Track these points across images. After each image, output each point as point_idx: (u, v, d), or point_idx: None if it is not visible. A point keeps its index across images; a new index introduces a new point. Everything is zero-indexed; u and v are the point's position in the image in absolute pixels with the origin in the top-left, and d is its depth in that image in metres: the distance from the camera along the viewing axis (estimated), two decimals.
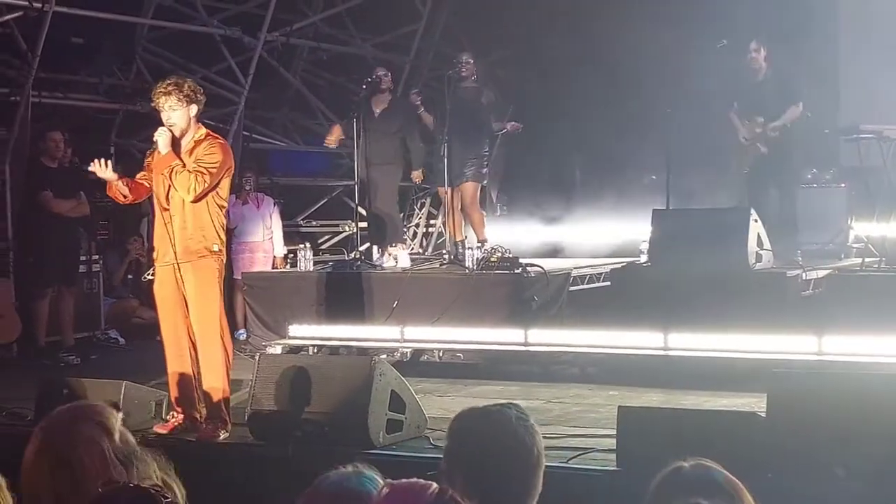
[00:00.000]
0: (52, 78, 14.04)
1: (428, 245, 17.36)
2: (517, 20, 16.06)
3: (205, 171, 7.84)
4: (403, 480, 2.91)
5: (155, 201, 8.16)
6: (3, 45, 13.27)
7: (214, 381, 7.93)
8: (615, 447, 6.62)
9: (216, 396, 7.93)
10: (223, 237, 8.14)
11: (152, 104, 8.10)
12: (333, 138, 13.49)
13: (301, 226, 16.36)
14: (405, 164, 13.36)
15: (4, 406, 8.97)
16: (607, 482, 6.46)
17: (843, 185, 13.57)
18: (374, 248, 13.45)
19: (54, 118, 13.69)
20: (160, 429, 8.05)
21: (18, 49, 12.99)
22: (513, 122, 13.27)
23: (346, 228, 16.32)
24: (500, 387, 9.86)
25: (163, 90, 7.92)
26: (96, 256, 13.51)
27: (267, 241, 13.78)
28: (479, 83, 12.88)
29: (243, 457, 7.64)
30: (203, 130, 8.10)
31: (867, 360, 8.56)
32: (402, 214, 14.72)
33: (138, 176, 8.21)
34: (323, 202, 16.88)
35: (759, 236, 10.42)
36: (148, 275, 12.30)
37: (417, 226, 17.39)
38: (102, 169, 7.96)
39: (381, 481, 3.03)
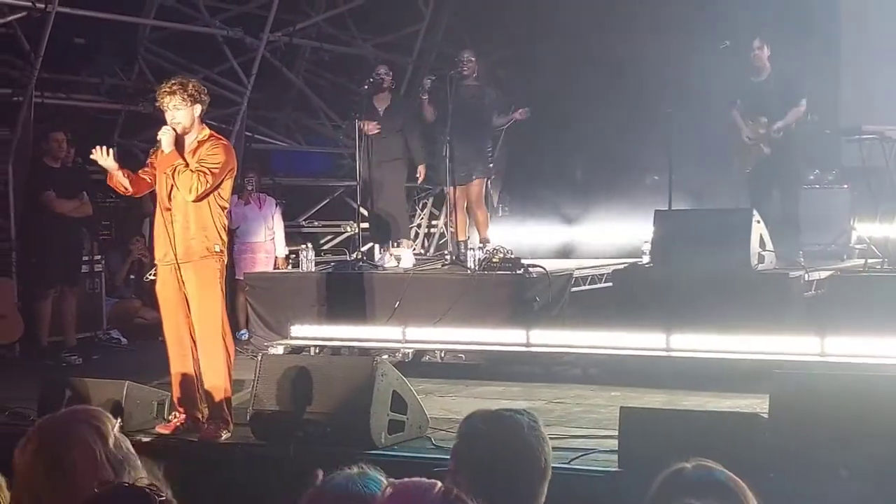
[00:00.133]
0: (55, 78, 14.05)
1: (430, 245, 17.37)
2: (519, 20, 16.06)
3: (207, 171, 7.84)
4: (407, 479, 2.91)
5: (157, 200, 8.16)
6: (6, 45, 13.28)
7: (216, 381, 7.93)
8: (617, 448, 6.62)
9: (218, 396, 7.93)
10: (225, 238, 8.14)
11: (156, 104, 8.11)
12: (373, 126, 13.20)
13: (303, 226, 16.37)
14: (409, 161, 13.37)
15: (7, 406, 8.97)
16: (609, 483, 6.46)
17: (845, 186, 13.57)
18: (376, 248, 13.46)
19: (57, 119, 13.68)
20: (162, 429, 8.06)
21: (21, 50, 12.99)
22: (521, 109, 13.23)
23: (348, 229, 16.32)
24: (501, 387, 9.86)
25: (167, 90, 7.93)
26: (98, 257, 13.51)
27: (269, 241, 13.80)
28: (481, 81, 12.89)
29: (245, 457, 7.64)
30: (207, 131, 8.11)
31: (870, 361, 8.55)
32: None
33: (141, 171, 8.21)
34: (325, 202, 16.88)
35: (761, 237, 10.42)
36: (150, 275, 12.30)
37: (419, 226, 17.39)
38: (104, 157, 7.95)
39: (386, 482, 3.02)
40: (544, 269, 11.08)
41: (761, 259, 10.38)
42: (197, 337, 7.99)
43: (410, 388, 7.75)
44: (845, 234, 12.70)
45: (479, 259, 11.30)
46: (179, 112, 7.91)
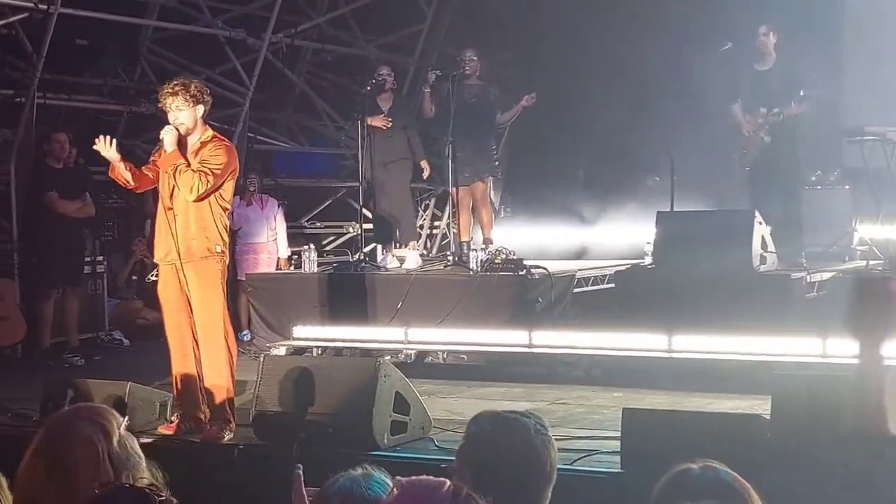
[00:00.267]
0: (57, 79, 14.05)
1: (432, 246, 17.37)
2: (520, 20, 16.06)
3: (208, 171, 7.85)
4: (414, 478, 2.90)
5: (159, 199, 8.16)
6: (9, 46, 13.29)
7: (218, 382, 7.94)
8: (619, 449, 6.62)
9: (220, 397, 7.93)
10: (226, 238, 8.14)
11: (159, 104, 8.12)
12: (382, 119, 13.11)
13: (305, 227, 16.37)
14: (413, 161, 13.34)
15: (9, 407, 8.98)
16: (611, 484, 6.46)
17: (847, 186, 13.57)
18: (379, 248, 13.46)
19: (59, 120, 13.69)
20: (164, 429, 8.06)
21: (23, 50, 13.00)
22: (526, 96, 13.06)
23: (351, 230, 16.33)
24: (504, 388, 9.86)
25: (170, 91, 7.94)
26: (101, 258, 13.52)
27: (271, 242, 13.80)
28: (484, 80, 12.86)
29: (248, 458, 7.64)
30: (210, 132, 8.11)
31: None
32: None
33: (144, 167, 8.20)
34: (327, 203, 16.89)
35: (763, 238, 10.43)
36: (152, 276, 12.32)
37: (422, 227, 17.39)
38: (106, 147, 7.95)
39: (391, 483, 3.02)
40: (547, 270, 11.08)
41: (763, 260, 10.39)
42: (199, 337, 7.99)
43: (413, 389, 7.75)
44: (847, 236, 12.70)
45: (481, 260, 11.30)
46: (182, 113, 7.92)
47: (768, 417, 6.37)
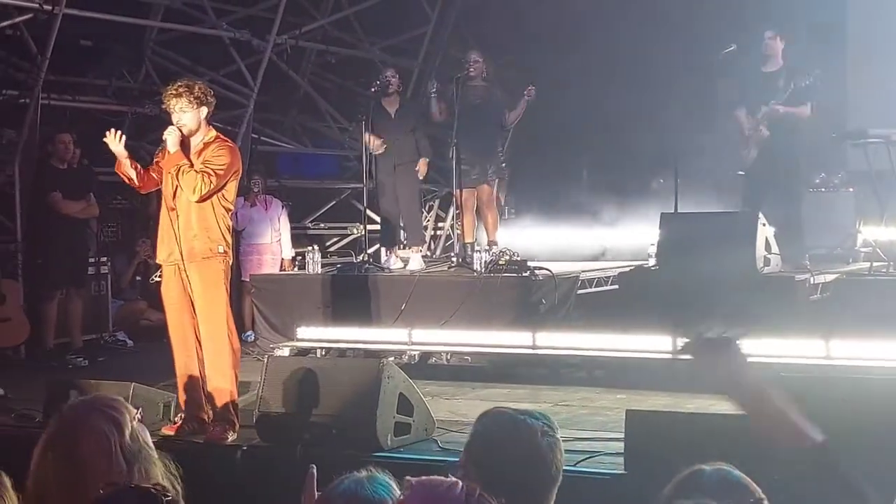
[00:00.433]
0: (62, 80, 14.04)
1: (436, 247, 17.37)
2: (524, 23, 16.05)
3: (211, 172, 7.85)
4: (425, 478, 2.90)
5: (162, 200, 8.16)
6: (13, 47, 13.30)
7: (222, 383, 7.94)
8: (623, 451, 6.62)
9: (224, 398, 7.93)
10: (229, 239, 8.15)
11: (163, 106, 8.12)
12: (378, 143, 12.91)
13: (309, 228, 16.38)
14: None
15: (13, 408, 8.99)
16: (615, 485, 6.46)
17: (851, 189, 13.58)
18: (382, 250, 13.45)
19: (63, 120, 13.70)
20: (167, 430, 8.05)
21: (28, 51, 13.01)
22: (526, 89, 12.77)
23: (355, 231, 16.32)
24: (507, 390, 9.86)
25: (174, 92, 7.94)
26: (104, 258, 13.52)
27: (275, 243, 13.81)
28: (489, 82, 12.79)
29: (251, 459, 7.64)
30: (213, 133, 8.12)
31: (875, 364, 8.54)
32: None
33: (149, 168, 8.20)
34: (331, 205, 16.90)
35: (767, 240, 10.42)
36: (156, 276, 12.32)
37: (426, 228, 17.38)
38: (115, 142, 7.95)
39: (395, 485, 3.01)
40: (550, 271, 11.08)
41: (767, 262, 10.39)
42: (202, 338, 7.99)
43: (416, 391, 7.76)
44: (851, 238, 12.70)
45: (485, 261, 11.30)
46: (186, 114, 7.93)
47: None
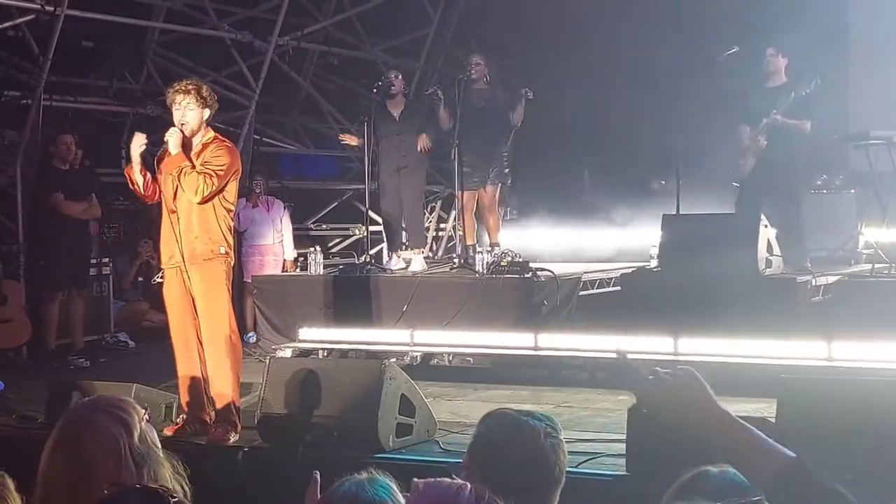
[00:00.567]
0: (63, 81, 14.06)
1: (438, 249, 17.37)
2: (527, 24, 16.05)
3: (212, 173, 7.84)
4: (433, 480, 2.89)
5: (162, 202, 8.15)
6: (15, 48, 13.31)
7: (223, 384, 7.94)
8: (625, 452, 6.62)
9: (225, 399, 7.93)
10: (230, 240, 8.14)
11: (167, 101, 8.08)
12: (353, 141, 13.18)
13: (311, 229, 16.40)
14: (428, 164, 13.23)
15: (14, 409, 8.98)
16: (617, 487, 6.46)
17: (852, 190, 13.56)
18: (385, 251, 13.44)
19: (65, 121, 13.71)
20: (169, 431, 8.05)
21: (30, 52, 13.01)
22: (523, 90, 12.70)
23: (357, 232, 16.33)
24: (509, 391, 9.86)
25: (182, 88, 7.93)
26: (106, 259, 13.53)
27: (277, 244, 13.82)
28: (491, 84, 12.75)
29: (253, 460, 7.64)
30: (211, 133, 8.11)
31: (877, 365, 8.54)
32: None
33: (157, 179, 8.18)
34: (333, 206, 16.91)
35: (768, 242, 10.42)
36: (158, 277, 12.32)
37: (427, 229, 17.38)
38: (137, 145, 7.95)
39: (396, 487, 3.01)
40: (553, 272, 11.07)
41: (769, 264, 10.38)
42: (204, 339, 7.99)
43: (418, 392, 7.76)
44: (853, 239, 12.69)
45: (487, 262, 11.29)
46: (191, 112, 7.93)
47: (773, 420, 6.36)
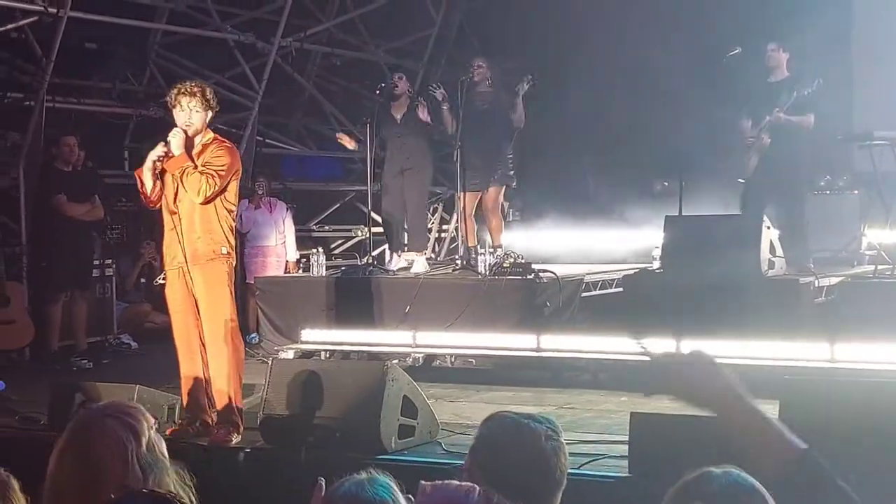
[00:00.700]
0: (66, 83, 14.06)
1: (440, 250, 17.37)
2: (529, 26, 16.05)
3: (214, 173, 7.85)
4: (440, 482, 2.89)
5: (163, 204, 8.14)
6: (18, 50, 13.32)
7: (226, 385, 7.93)
8: (627, 453, 6.62)
9: (228, 400, 7.92)
10: (232, 240, 8.14)
11: (169, 102, 8.07)
12: (350, 144, 13.20)
13: (314, 231, 16.40)
14: (432, 166, 13.20)
15: (18, 410, 8.99)
16: (619, 488, 6.46)
17: (856, 191, 13.56)
18: (387, 252, 13.43)
19: (68, 123, 13.71)
20: (170, 432, 8.05)
21: (33, 54, 13.02)
22: (517, 84, 12.62)
23: (359, 233, 16.32)
24: (511, 392, 9.85)
25: (188, 90, 7.94)
26: (109, 261, 13.53)
27: (280, 245, 13.82)
28: (494, 86, 12.72)
29: (255, 461, 7.64)
30: (211, 134, 8.12)
31: (880, 367, 8.54)
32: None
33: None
34: (335, 207, 16.92)
35: (771, 243, 10.41)
36: (160, 279, 12.33)
37: (430, 230, 17.38)
38: (157, 149, 7.91)
39: (396, 487, 3.01)
40: (555, 273, 11.07)
41: (771, 265, 10.38)
42: (206, 340, 7.99)
43: (421, 393, 7.76)
44: (856, 240, 12.67)
45: (489, 264, 11.29)
46: (196, 114, 7.94)
47: None
